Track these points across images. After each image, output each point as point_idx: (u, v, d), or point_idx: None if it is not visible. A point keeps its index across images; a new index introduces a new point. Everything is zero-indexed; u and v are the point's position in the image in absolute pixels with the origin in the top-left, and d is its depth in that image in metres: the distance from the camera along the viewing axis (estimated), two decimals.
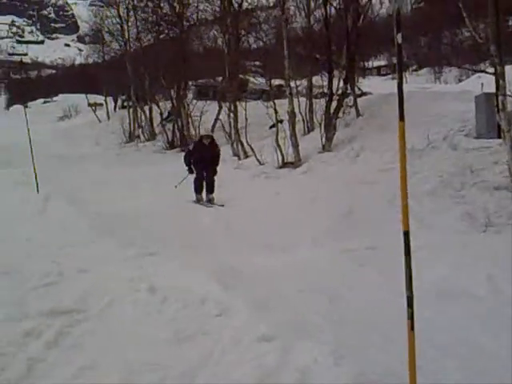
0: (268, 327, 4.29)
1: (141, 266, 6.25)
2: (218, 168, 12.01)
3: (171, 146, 24.51)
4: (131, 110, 30.42)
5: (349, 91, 16.50)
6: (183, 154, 12.91)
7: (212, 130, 19.49)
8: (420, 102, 14.53)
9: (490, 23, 8.83)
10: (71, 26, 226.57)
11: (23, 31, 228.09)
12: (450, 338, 4.28)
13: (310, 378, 3.59)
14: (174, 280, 5.64)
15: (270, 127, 19.05)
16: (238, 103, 19.16)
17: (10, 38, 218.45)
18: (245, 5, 21.02)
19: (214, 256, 7.21)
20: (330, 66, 16.07)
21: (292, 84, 16.77)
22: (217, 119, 22.49)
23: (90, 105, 41.36)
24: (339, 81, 16.02)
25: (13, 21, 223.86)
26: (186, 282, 5.52)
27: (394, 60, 3.00)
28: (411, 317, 2.95)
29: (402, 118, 2.96)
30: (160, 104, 27.56)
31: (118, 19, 30.20)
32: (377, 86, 33.26)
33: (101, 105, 40.60)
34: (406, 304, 2.97)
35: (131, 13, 28.85)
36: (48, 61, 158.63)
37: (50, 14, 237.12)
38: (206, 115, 22.52)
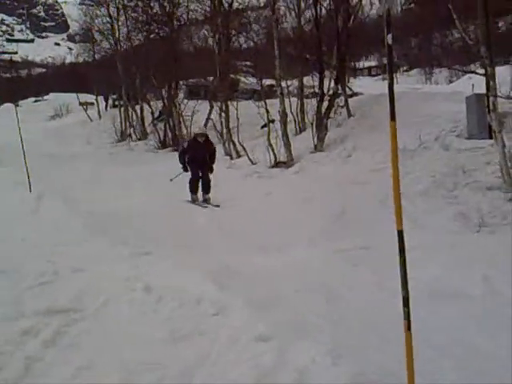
0: (265, 327, 4.28)
1: (136, 266, 6.23)
2: (214, 166, 11.89)
3: (163, 145, 24.49)
4: (122, 109, 30.28)
5: (340, 91, 16.58)
6: (176, 153, 12.83)
7: None
8: (411, 102, 14.61)
9: (480, 25, 8.92)
10: (61, 25, 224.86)
11: (13, 30, 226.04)
12: (446, 339, 4.29)
13: (307, 377, 3.57)
14: (169, 279, 5.61)
15: (262, 127, 19.09)
16: (229, 103, 19.20)
17: (0, 36, 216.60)
18: (235, 5, 21.02)
19: (208, 256, 7.20)
20: (321, 67, 16.09)
21: (283, 84, 16.79)
22: (208, 119, 22.50)
23: (81, 104, 41.10)
24: (330, 81, 16.11)
25: (2, 19, 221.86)
26: (182, 282, 5.50)
27: (385, 61, 3.02)
28: (407, 317, 2.96)
29: (393, 117, 2.98)
30: (151, 103, 27.52)
31: (108, 18, 30.16)
32: (368, 87, 33.38)
33: (92, 104, 40.37)
34: (401, 304, 2.98)
35: (121, 12, 28.70)
36: (38, 59, 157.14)
37: (39, 12, 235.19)
38: (197, 115, 22.46)
